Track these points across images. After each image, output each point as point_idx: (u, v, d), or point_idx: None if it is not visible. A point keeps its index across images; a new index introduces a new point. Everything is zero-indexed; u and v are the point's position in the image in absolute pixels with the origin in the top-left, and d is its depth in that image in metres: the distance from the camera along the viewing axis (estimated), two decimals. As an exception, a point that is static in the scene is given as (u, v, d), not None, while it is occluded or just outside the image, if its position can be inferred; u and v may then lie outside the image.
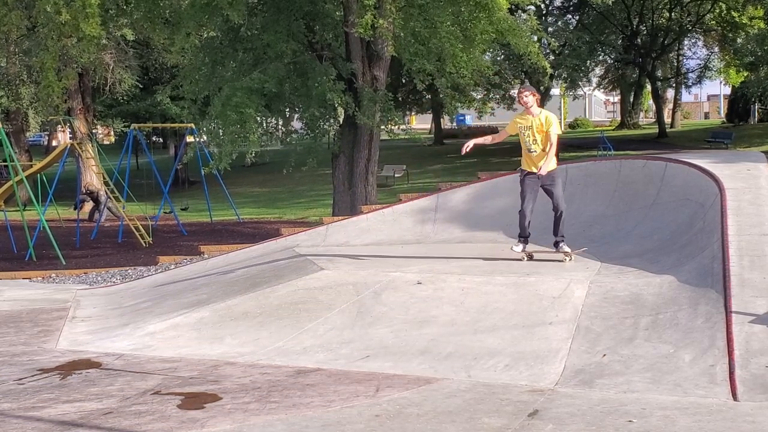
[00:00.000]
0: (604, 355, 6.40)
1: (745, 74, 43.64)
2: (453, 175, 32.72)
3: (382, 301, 7.96)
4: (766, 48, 37.40)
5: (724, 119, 59.00)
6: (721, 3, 43.05)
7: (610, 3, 41.86)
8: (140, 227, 19.76)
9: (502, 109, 48.76)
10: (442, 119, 54.02)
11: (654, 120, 57.88)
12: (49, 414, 5.61)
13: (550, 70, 21.36)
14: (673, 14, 44.96)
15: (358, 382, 6.20)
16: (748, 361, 5.83)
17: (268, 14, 16.79)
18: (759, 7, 37.28)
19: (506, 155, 42.69)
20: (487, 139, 9.28)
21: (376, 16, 14.67)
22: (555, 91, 53.39)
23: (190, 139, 28.46)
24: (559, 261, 8.95)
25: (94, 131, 33.18)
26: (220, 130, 15.97)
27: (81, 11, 15.02)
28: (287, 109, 18.84)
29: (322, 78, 16.30)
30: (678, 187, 10.57)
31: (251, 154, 16.46)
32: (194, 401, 5.83)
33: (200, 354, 7.32)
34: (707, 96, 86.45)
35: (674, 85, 56.09)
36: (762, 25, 38.89)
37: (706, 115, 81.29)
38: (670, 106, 59.49)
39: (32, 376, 6.73)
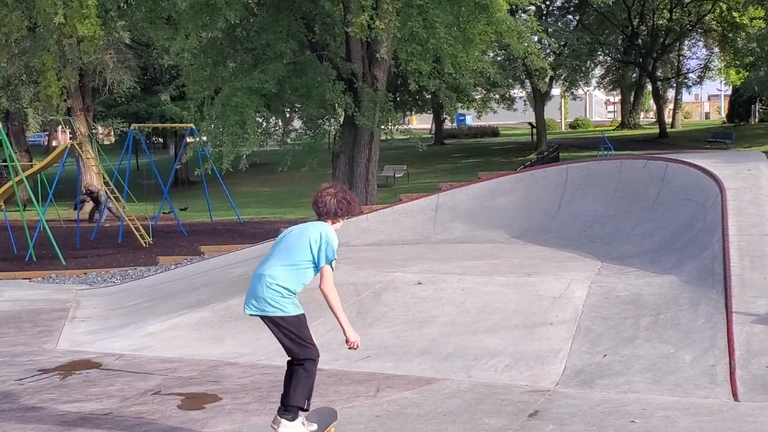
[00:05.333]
0: (605, 355, 6.39)
1: (745, 74, 43.65)
2: (453, 175, 32.70)
3: (383, 301, 7.95)
4: (766, 48, 37.37)
5: (725, 119, 58.98)
6: (721, 3, 43.05)
7: (611, 3, 41.85)
8: (140, 227, 19.75)
9: (502, 108, 48.79)
10: (442, 120, 54.03)
11: (654, 120, 57.85)
12: (49, 414, 5.60)
13: (550, 72, 21.38)
14: (673, 14, 44.96)
15: (359, 383, 6.19)
16: (749, 362, 5.82)
17: (267, 14, 16.78)
18: (759, 8, 37.26)
19: (507, 155, 42.82)
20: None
21: (374, 17, 14.66)
22: (555, 91, 53.39)
23: (190, 139, 28.46)
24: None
25: (93, 131, 33.17)
26: (221, 130, 15.96)
27: (78, 11, 15.03)
28: (287, 109, 18.85)
29: (322, 78, 16.30)
30: (678, 187, 10.57)
31: (247, 155, 16.30)
32: (194, 402, 5.82)
33: (200, 354, 7.32)
34: (708, 96, 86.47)
35: (675, 85, 56.08)
36: (762, 25, 38.87)
37: (707, 115, 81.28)
38: (671, 106, 59.48)
39: (32, 376, 6.72)
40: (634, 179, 11.51)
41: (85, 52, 17.88)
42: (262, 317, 4.66)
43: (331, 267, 4.67)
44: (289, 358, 4.72)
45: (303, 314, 4.69)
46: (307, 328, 4.73)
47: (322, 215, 4.83)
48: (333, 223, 4.83)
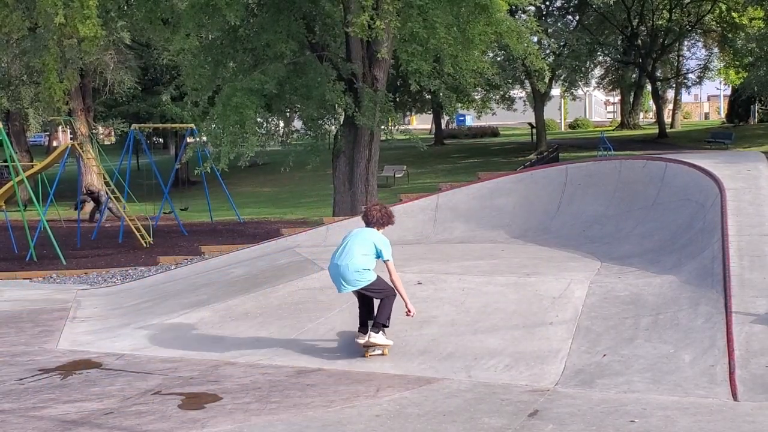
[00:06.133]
0: (605, 355, 6.40)
1: (745, 74, 43.67)
2: (453, 175, 32.72)
3: (383, 301, 7.95)
4: (766, 48, 37.37)
5: (724, 119, 58.99)
6: (720, 3, 43.07)
7: (611, 3, 41.83)
8: (140, 227, 19.76)
9: (502, 109, 48.82)
10: (442, 119, 54.01)
11: (654, 120, 57.85)
12: (49, 414, 5.61)
13: (548, 73, 21.36)
14: (673, 15, 44.98)
15: (359, 382, 6.20)
16: (748, 361, 5.83)
17: (267, 14, 16.77)
18: (759, 8, 37.29)
19: (507, 155, 42.82)
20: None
21: (374, 17, 14.66)
22: (555, 91, 53.41)
23: (190, 139, 28.52)
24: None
25: (94, 132, 33.16)
26: (221, 131, 15.95)
27: (78, 12, 15.02)
28: (287, 110, 18.82)
29: (323, 78, 16.29)
30: (678, 187, 10.57)
31: (249, 156, 16.22)
32: (195, 401, 5.83)
33: (200, 354, 7.33)
34: (707, 96, 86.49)
35: (674, 85, 56.08)
36: (762, 25, 38.90)
37: (706, 116, 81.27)
38: (671, 106, 59.48)
39: (33, 376, 6.73)
40: (633, 179, 11.51)
41: (86, 52, 17.86)
42: (355, 291, 6.78)
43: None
44: (360, 294, 6.86)
45: (379, 276, 6.78)
46: (383, 280, 6.80)
47: (371, 224, 6.96)
48: (379, 229, 6.94)
